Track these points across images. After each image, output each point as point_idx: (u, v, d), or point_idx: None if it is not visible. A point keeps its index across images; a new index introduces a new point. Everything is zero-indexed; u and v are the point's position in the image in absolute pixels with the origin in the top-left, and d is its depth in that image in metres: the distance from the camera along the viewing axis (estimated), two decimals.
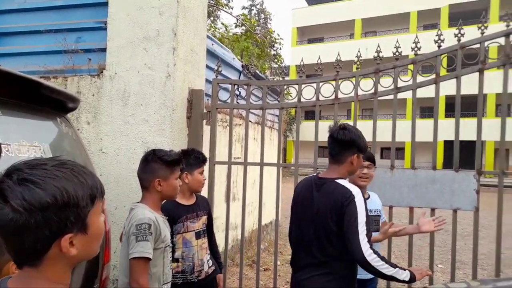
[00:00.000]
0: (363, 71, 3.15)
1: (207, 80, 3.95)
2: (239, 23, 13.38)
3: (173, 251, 2.23)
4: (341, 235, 1.87)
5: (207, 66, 4.14)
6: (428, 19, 27.74)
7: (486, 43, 2.91)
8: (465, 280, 4.53)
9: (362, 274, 2.16)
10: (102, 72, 3.34)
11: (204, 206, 2.47)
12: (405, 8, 27.87)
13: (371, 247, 1.82)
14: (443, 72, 3.01)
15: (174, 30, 3.20)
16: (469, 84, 2.95)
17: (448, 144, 21.10)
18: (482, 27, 2.90)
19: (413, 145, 3.06)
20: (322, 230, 1.94)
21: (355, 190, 1.91)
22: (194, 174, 2.35)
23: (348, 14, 29.85)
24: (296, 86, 3.29)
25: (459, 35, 2.96)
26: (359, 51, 3.32)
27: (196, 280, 2.30)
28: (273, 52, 14.63)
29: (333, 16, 30.49)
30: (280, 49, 13.75)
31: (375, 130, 3.13)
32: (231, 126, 3.43)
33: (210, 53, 5.01)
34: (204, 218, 2.43)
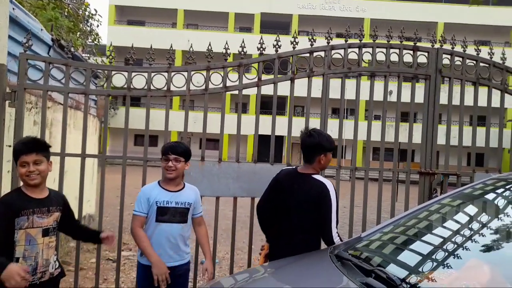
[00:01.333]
0: (195, 66, 3.24)
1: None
2: None
3: (14, 249, 2.01)
4: (318, 218, 2.38)
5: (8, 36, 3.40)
6: (244, 22, 30.48)
7: (297, 57, 3.45)
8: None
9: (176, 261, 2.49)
10: None
11: (58, 202, 2.23)
12: (224, 8, 29.76)
13: (337, 231, 2.40)
14: (263, 76, 3.40)
15: None
16: (278, 87, 3.44)
17: (260, 138, 23.89)
18: (294, 43, 3.42)
19: (238, 140, 3.35)
20: (306, 216, 2.43)
21: (329, 184, 2.44)
22: (17, 167, 2.11)
23: (170, 2, 29.67)
24: (126, 74, 3.09)
25: (276, 46, 3.40)
26: (191, 47, 3.37)
27: (38, 282, 2.08)
28: (88, 28, 13.13)
29: (156, 1, 29.74)
30: (98, 26, 12.45)
31: (205, 125, 3.28)
32: (45, 111, 2.95)
33: (11, 20, 4.12)
34: (56, 215, 2.19)
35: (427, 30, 27.49)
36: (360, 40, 3.57)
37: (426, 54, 3.69)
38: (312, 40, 3.46)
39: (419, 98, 3.69)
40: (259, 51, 3.37)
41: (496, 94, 3.75)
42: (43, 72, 2.92)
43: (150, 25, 30.90)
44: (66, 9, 11.47)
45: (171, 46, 3.25)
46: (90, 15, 10.73)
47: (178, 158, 2.52)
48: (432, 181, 3.59)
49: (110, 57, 3.10)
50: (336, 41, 3.56)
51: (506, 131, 4.31)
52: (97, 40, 11.35)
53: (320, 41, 3.47)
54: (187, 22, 30.75)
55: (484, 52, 3.85)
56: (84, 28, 11.68)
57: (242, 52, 3.35)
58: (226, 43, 3.37)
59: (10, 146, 2.98)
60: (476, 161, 3.73)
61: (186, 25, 30.86)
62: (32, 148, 2.09)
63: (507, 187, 2.37)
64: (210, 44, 3.33)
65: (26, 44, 2.90)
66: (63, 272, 2.34)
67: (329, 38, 3.52)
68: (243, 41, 3.37)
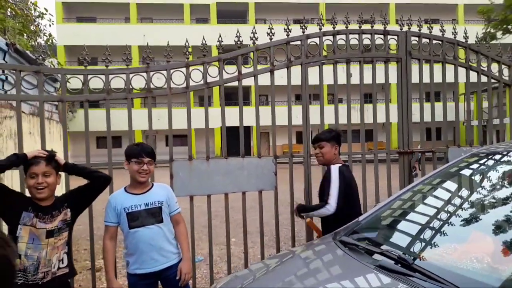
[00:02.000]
0: (175, 64, 3.16)
1: None
2: None
3: (16, 245, 1.99)
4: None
5: None
6: (200, 13, 29.88)
7: (273, 49, 3.46)
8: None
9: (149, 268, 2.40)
10: None
11: (61, 203, 2.22)
12: (179, 0, 29.00)
13: (334, 203, 2.77)
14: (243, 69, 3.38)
15: None
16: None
17: (227, 130, 23.73)
18: (271, 34, 3.42)
19: (223, 134, 3.32)
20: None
21: (333, 167, 2.86)
22: (26, 178, 2.13)
23: None
24: (103, 77, 2.97)
25: (253, 38, 3.39)
26: (168, 44, 3.28)
27: (40, 282, 2.05)
28: (37, 28, 12.38)
29: None
30: (50, 25, 11.74)
31: (190, 122, 3.22)
32: (20, 122, 2.78)
33: None
34: (60, 217, 2.18)
35: (379, 12, 28.24)
36: (334, 28, 3.63)
37: (396, 37, 3.82)
38: (288, 30, 3.47)
39: (380, 79, 3.84)
40: (237, 44, 3.35)
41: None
42: (15, 81, 2.75)
43: (102, 21, 29.58)
44: (12, 10, 10.74)
45: (147, 44, 3.15)
46: (41, 14, 10.10)
47: (151, 160, 2.45)
48: (411, 159, 3.76)
49: (84, 60, 2.95)
50: (294, 27, 3.58)
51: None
52: (50, 41, 10.74)
53: (279, 29, 3.53)
54: (140, 16, 29.71)
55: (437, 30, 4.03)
56: (34, 29, 11.02)
57: (220, 46, 3.31)
58: (203, 38, 3.31)
59: None
60: (436, 135, 3.95)
61: (140, 19, 29.82)
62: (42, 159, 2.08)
63: (484, 160, 2.53)
64: (187, 41, 3.26)
65: None
66: (72, 272, 2.30)
67: (304, 27, 3.55)
68: (219, 36, 3.33)
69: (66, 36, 26.78)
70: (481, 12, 18.55)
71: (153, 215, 2.42)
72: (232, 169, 3.24)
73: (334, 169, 2.82)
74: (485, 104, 20.95)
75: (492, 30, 18.13)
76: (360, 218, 2.43)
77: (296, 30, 3.23)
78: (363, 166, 3.62)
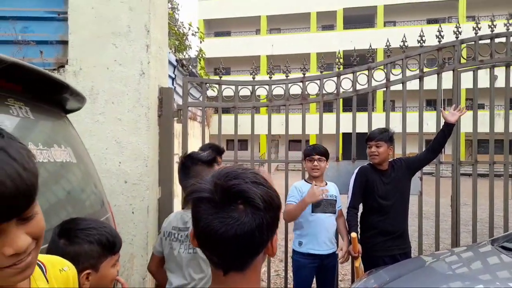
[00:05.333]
0: (327, 74, 3.50)
1: None
2: None
3: None
4: None
5: None
6: (326, 21, 30.17)
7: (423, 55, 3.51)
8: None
9: (321, 250, 2.78)
10: (63, 67, 3.07)
11: None
12: (305, 9, 29.82)
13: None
14: (392, 77, 3.53)
15: (147, 27, 3.11)
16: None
17: (345, 136, 23.41)
18: (422, 41, 3.48)
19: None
20: None
21: None
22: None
23: (254, 10, 30.71)
24: (267, 87, 3.49)
25: (403, 46, 3.50)
26: (326, 56, 3.64)
27: None
28: (189, 44, 14.39)
29: (240, 11, 31.05)
30: (201, 42, 13.58)
31: (338, 127, 3.52)
32: (204, 125, 3.48)
33: None
34: None
35: None
36: (492, 31, 3.48)
37: None
38: (440, 37, 3.48)
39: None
40: (387, 53, 3.52)
41: None
42: (201, 91, 3.47)
43: (236, 34, 32.35)
44: (173, 30, 12.70)
45: (305, 60, 3.56)
46: (194, 33, 11.78)
47: (321, 158, 2.87)
48: None
49: (200, 67, 3.52)
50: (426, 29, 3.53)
51: None
52: (201, 55, 12.41)
53: (411, 30, 3.51)
54: (270, 27, 31.50)
55: None
56: (189, 45, 12.84)
57: (369, 54, 3.53)
58: (370, 45, 3.57)
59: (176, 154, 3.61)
60: None
61: (269, 30, 31.62)
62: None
63: None
64: (339, 52, 3.57)
65: (187, 69, 3.47)
66: None
67: (457, 32, 3.51)
68: (370, 46, 3.55)
69: (207, 50, 30.13)
70: None
71: (331, 205, 2.87)
72: None
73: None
74: None
75: None
76: None
77: (428, 31, 3.24)
78: (506, 179, 3.38)
